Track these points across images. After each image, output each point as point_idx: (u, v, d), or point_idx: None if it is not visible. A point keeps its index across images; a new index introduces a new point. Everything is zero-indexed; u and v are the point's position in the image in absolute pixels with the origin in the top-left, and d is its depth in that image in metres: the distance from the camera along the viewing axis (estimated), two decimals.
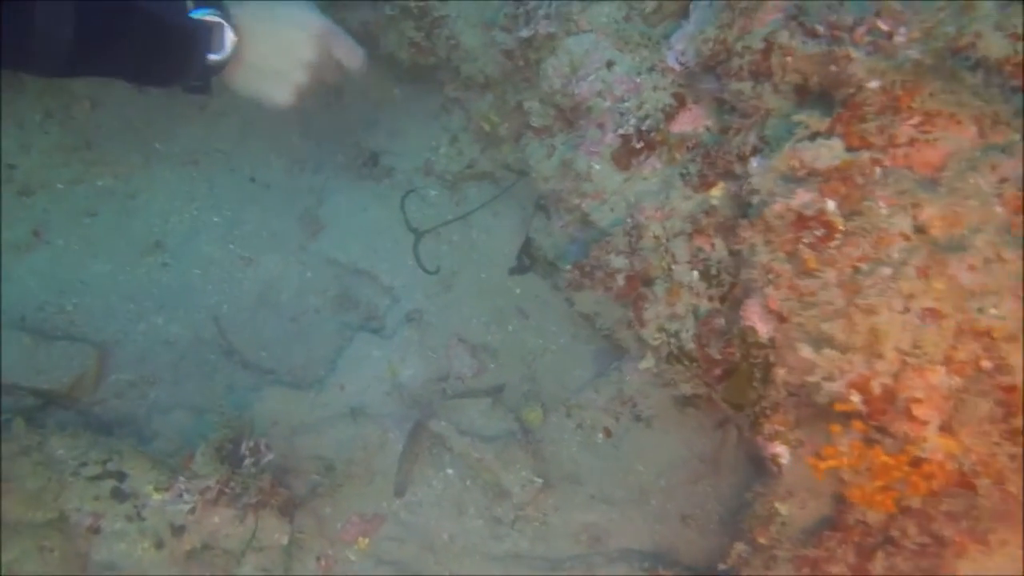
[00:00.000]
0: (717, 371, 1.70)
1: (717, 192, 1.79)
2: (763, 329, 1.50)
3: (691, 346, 1.81)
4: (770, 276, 1.38)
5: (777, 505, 1.62)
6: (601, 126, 1.98)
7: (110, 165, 2.48)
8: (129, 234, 2.43)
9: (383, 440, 2.11)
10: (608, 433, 2.22)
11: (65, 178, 2.45)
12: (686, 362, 1.85)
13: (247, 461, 1.82)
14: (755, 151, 1.58)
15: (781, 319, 1.42)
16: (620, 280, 1.82)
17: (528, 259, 2.49)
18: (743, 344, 1.58)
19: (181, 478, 1.78)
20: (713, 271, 1.76)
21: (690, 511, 2.10)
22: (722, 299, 1.73)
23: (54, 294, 2.28)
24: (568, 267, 1.95)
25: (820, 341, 1.35)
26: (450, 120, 2.60)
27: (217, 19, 1.56)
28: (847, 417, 1.35)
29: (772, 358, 1.52)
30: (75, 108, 2.54)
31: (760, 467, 1.73)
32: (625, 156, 1.93)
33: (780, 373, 1.53)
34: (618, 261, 1.83)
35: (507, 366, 2.33)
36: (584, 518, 2.06)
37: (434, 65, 2.49)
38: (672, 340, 1.85)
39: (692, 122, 1.87)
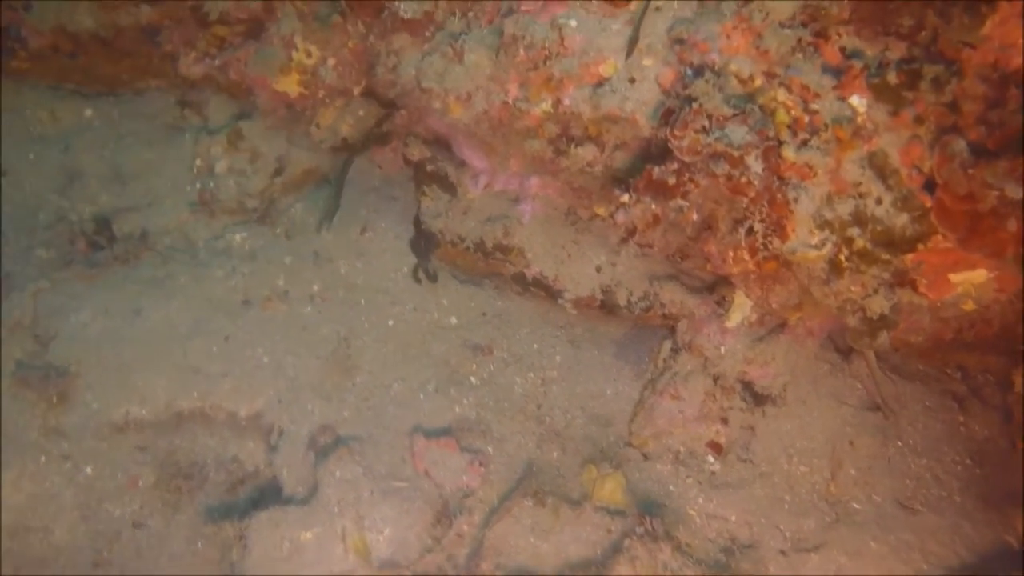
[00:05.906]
0: (1012, 225, 0.93)
1: None
2: None
3: (899, 220, 1.02)
4: None
5: None
6: None
7: None
8: None
9: None
10: (718, 448, 1.37)
11: None
12: (885, 255, 1.06)
13: None
14: None
15: None
16: (755, 161, 0.97)
17: (425, 246, 1.52)
18: None
19: None
20: (894, 79, 0.99)
21: (904, 490, 1.33)
22: (952, 107, 0.96)
23: None
24: (626, 195, 1.04)
25: None
26: (208, 111, 1.52)
27: None
28: None
29: None
30: None
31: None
32: None
33: None
34: (738, 132, 0.97)
35: (511, 436, 1.37)
36: None
37: (152, 27, 1.40)
38: (851, 231, 1.05)
39: None
